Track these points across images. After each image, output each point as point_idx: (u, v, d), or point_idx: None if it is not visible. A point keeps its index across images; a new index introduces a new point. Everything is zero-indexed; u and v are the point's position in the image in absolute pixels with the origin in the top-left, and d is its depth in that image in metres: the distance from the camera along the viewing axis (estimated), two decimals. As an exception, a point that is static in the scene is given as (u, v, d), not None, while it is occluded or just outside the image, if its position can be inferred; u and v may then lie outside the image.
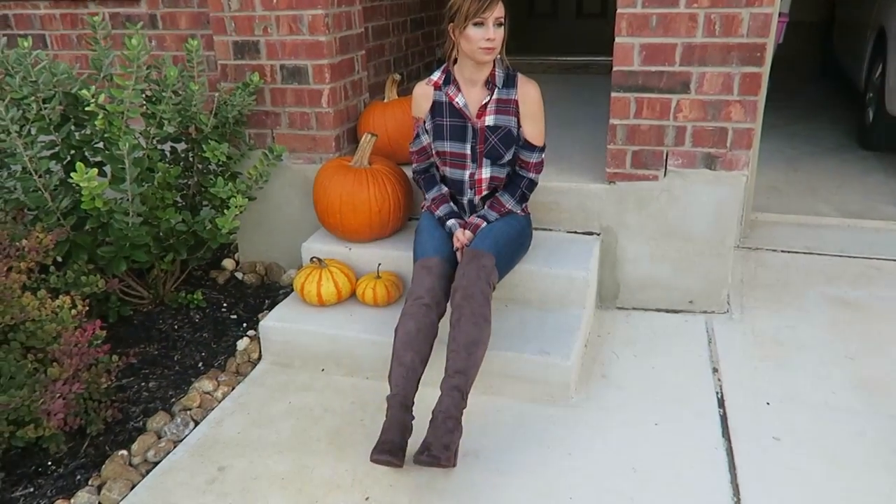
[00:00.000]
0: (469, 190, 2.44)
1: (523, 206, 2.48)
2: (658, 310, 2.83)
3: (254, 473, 2.07)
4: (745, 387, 2.35)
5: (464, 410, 2.00)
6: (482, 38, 2.18)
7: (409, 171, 2.77)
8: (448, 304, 2.22)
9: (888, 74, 4.06)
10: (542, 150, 2.42)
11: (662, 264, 2.77)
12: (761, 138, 3.23)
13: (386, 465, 1.94)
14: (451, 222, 2.42)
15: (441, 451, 1.88)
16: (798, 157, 4.30)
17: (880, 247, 3.17)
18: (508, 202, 2.42)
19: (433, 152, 2.46)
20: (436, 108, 2.40)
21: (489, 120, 2.35)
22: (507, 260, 2.35)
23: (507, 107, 2.35)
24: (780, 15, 3.55)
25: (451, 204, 2.48)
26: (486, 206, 2.44)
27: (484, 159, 2.38)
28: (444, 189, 2.50)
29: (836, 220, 3.41)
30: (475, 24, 2.17)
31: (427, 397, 2.04)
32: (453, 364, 2.04)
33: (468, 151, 2.38)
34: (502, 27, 2.21)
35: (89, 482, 2.06)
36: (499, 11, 2.18)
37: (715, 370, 2.45)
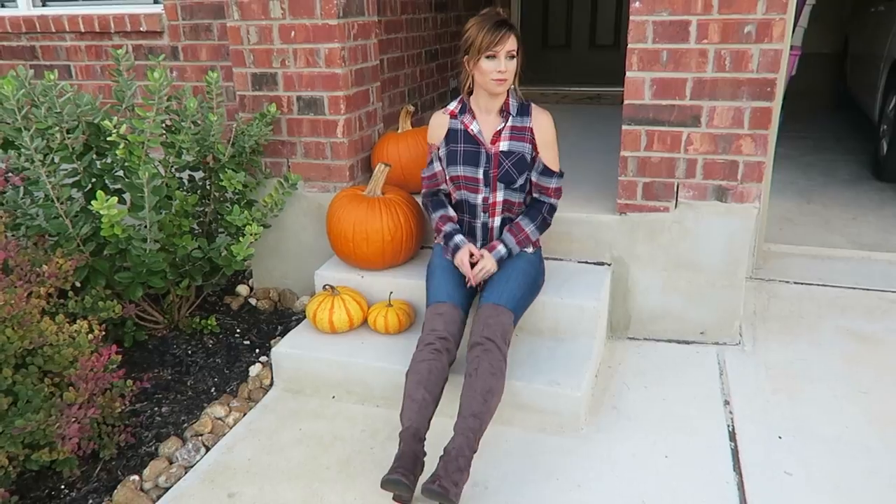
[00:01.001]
0: (483, 213, 2.47)
1: (539, 235, 2.49)
2: (669, 340, 2.82)
3: (263, 501, 2.08)
4: (756, 420, 2.34)
5: (474, 455, 2.00)
6: (494, 70, 2.24)
7: (419, 197, 2.81)
8: (462, 351, 2.24)
9: (902, 107, 4.07)
10: (560, 175, 2.45)
11: (674, 295, 2.77)
12: (774, 169, 3.24)
13: (393, 488, 1.93)
14: (458, 238, 2.43)
15: (451, 485, 1.89)
16: (812, 189, 4.30)
17: (895, 279, 3.15)
18: (528, 227, 2.43)
19: (447, 178, 2.50)
20: (450, 135, 2.45)
21: (503, 145, 2.39)
22: (523, 309, 2.40)
23: (522, 133, 2.39)
24: (792, 48, 3.58)
25: (456, 223, 2.49)
26: (505, 230, 2.45)
27: (498, 183, 2.41)
28: (451, 211, 2.52)
29: (849, 252, 3.39)
30: (487, 57, 2.23)
31: (438, 427, 2.04)
32: (469, 407, 2.05)
33: (480, 176, 2.42)
34: (514, 59, 2.27)
35: (101, 507, 2.08)
36: (510, 45, 2.23)
37: (726, 402, 2.44)
